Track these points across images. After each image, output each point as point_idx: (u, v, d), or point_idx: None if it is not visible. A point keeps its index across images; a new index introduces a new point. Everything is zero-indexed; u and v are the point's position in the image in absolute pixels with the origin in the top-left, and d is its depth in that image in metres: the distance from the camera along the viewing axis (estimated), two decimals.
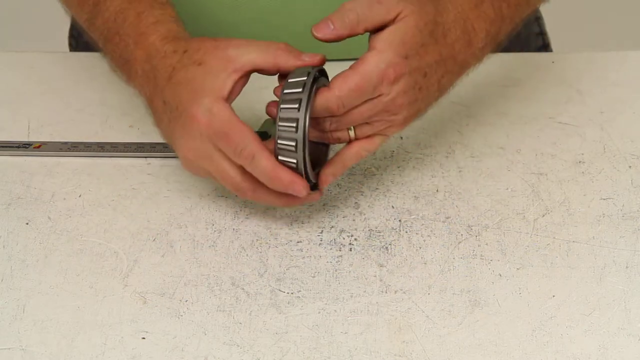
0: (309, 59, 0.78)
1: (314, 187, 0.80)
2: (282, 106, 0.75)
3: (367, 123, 0.80)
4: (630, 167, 0.89)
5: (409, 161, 0.90)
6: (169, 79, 0.78)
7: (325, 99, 0.76)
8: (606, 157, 0.91)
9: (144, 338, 0.74)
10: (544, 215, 0.84)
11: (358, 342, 0.74)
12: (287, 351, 0.73)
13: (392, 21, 0.77)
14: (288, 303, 0.77)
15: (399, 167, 0.90)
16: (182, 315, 0.76)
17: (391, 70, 0.77)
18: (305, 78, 0.76)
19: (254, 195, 0.78)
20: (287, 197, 0.78)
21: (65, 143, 0.92)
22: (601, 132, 0.93)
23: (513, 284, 0.78)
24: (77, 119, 0.96)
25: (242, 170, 0.77)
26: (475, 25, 0.81)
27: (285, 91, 0.76)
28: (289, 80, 0.76)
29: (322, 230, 0.83)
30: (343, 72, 0.77)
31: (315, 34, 0.78)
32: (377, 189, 0.88)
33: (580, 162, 0.90)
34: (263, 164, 0.75)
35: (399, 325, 0.75)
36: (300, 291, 0.78)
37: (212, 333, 0.75)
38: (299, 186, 0.76)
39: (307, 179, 0.78)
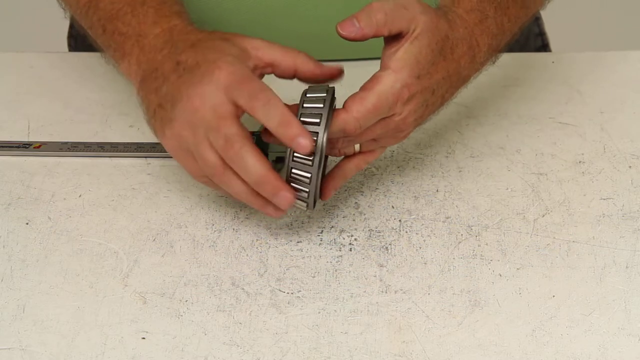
0: (328, 70, 0.78)
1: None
2: (302, 119, 0.75)
3: (373, 139, 0.80)
4: (630, 167, 0.89)
5: (409, 161, 0.90)
6: (191, 46, 0.77)
7: (344, 121, 0.76)
8: (606, 157, 0.90)
9: (144, 338, 0.74)
10: (544, 215, 0.84)
11: (358, 342, 0.74)
12: (287, 351, 0.73)
13: (408, 35, 0.77)
14: (288, 303, 0.77)
15: (399, 167, 0.90)
16: (182, 315, 0.76)
17: (405, 90, 0.77)
18: (324, 94, 0.76)
19: (239, 152, 0.73)
20: (258, 163, 0.74)
21: (65, 143, 0.92)
22: (601, 132, 0.93)
23: (513, 284, 0.78)
24: (77, 119, 0.96)
25: (237, 127, 0.74)
26: (480, 41, 0.82)
27: (305, 105, 0.76)
28: (308, 95, 0.76)
29: (322, 230, 0.83)
30: (357, 93, 0.77)
31: (340, 31, 0.76)
32: (377, 189, 0.88)
33: (580, 162, 0.90)
34: (278, 108, 0.73)
35: (399, 325, 0.75)
36: (300, 291, 0.78)
37: (212, 333, 0.75)
38: (306, 142, 0.72)
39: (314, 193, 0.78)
